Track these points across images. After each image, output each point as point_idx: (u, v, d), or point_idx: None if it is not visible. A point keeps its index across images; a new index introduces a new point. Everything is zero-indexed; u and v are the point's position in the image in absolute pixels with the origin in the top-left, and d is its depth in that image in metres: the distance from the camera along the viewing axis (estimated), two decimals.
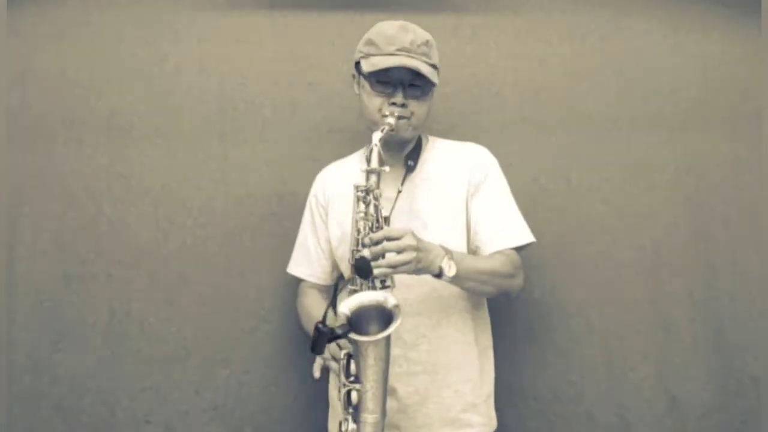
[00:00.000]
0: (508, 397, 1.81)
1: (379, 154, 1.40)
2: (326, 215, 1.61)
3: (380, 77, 1.49)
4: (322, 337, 1.27)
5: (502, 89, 1.95)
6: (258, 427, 1.78)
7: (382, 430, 1.33)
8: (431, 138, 1.65)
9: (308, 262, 1.64)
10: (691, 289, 1.86)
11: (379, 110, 1.49)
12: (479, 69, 1.96)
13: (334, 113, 1.91)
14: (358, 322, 1.31)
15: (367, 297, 1.33)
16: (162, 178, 1.88)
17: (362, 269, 1.31)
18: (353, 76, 1.58)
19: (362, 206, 1.38)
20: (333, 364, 1.39)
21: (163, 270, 1.84)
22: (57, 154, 1.87)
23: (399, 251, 1.29)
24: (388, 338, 1.31)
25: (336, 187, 1.60)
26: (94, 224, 1.85)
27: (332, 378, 1.58)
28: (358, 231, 1.38)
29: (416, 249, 1.31)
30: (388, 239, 1.30)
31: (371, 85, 1.51)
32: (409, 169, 1.56)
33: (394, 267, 1.29)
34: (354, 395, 1.31)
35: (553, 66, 1.96)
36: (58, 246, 1.83)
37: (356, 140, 1.75)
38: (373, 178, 1.39)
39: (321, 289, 1.65)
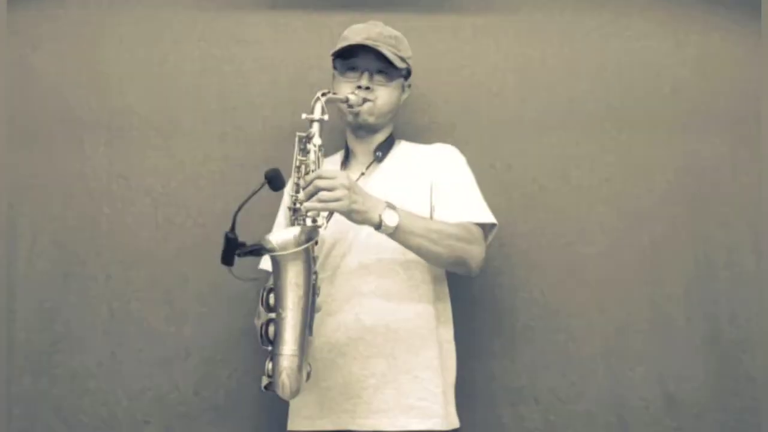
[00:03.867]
0: (508, 397, 1.81)
1: (322, 105, 1.43)
2: None
3: (349, 65, 1.57)
4: (230, 245, 1.26)
5: (502, 89, 1.95)
6: (258, 426, 1.78)
7: (301, 369, 1.30)
8: (403, 141, 1.68)
9: None
10: (690, 289, 1.86)
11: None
12: (479, 69, 1.95)
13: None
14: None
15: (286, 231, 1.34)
16: (162, 178, 1.88)
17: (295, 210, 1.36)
18: (333, 77, 1.64)
19: (302, 155, 1.43)
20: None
21: (163, 270, 1.84)
22: (57, 154, 1.87)
23: (330, 189, 1.30)
24: (307, 270, 1.30)
25: None
26: (94, 224, 1.85)
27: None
28: (297, 177, 1.42)
29: (348, 188, 1.31)
30: (320, 177, 1.31)
31: (340, 73, 1.59)
32: (377, 159, 1.61)
33: (325, 202, 1.30)
34: (271, 328, 1.30)
35: (553, 66, 1.96)
36: (58, 246, 1.83)
37: None
38: (315, 127, 1.43)
39: None
